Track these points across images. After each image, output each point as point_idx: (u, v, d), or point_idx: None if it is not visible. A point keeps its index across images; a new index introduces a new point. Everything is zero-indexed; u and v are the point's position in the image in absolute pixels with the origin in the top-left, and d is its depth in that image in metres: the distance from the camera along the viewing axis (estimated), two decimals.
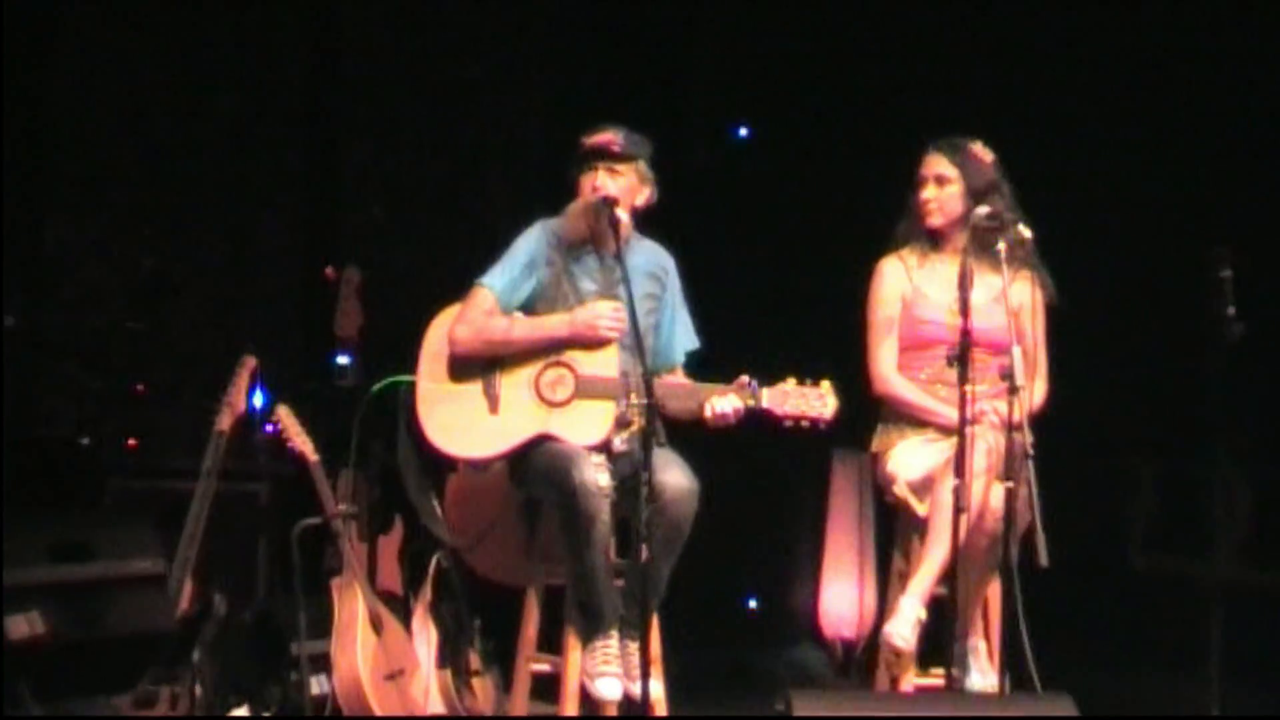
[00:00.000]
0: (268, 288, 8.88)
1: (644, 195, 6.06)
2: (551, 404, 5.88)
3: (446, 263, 8.25)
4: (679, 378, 6.17)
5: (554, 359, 5.91)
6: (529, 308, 6.03)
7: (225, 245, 8.79)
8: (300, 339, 8.62)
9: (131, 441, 8.00)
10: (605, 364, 5.92)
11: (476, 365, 5.92)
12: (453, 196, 9.12)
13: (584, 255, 6.01)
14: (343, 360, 7.28)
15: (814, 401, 5.81)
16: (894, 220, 6.41)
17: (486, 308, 5.94)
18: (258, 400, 7.16)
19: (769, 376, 5.90)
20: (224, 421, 6.69)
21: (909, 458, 6.17)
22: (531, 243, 6.01)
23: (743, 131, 9.03)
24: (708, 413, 5.81)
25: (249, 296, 8.78)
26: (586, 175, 6.00)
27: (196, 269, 8.64)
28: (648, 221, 6.20)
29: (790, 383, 5.84)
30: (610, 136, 5.99)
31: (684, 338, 6.27)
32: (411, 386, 6.09)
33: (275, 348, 7.77)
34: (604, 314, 5.88)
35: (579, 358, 5.91)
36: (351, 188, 8.93)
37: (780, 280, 8.69)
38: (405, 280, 8.55)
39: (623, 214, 5.92)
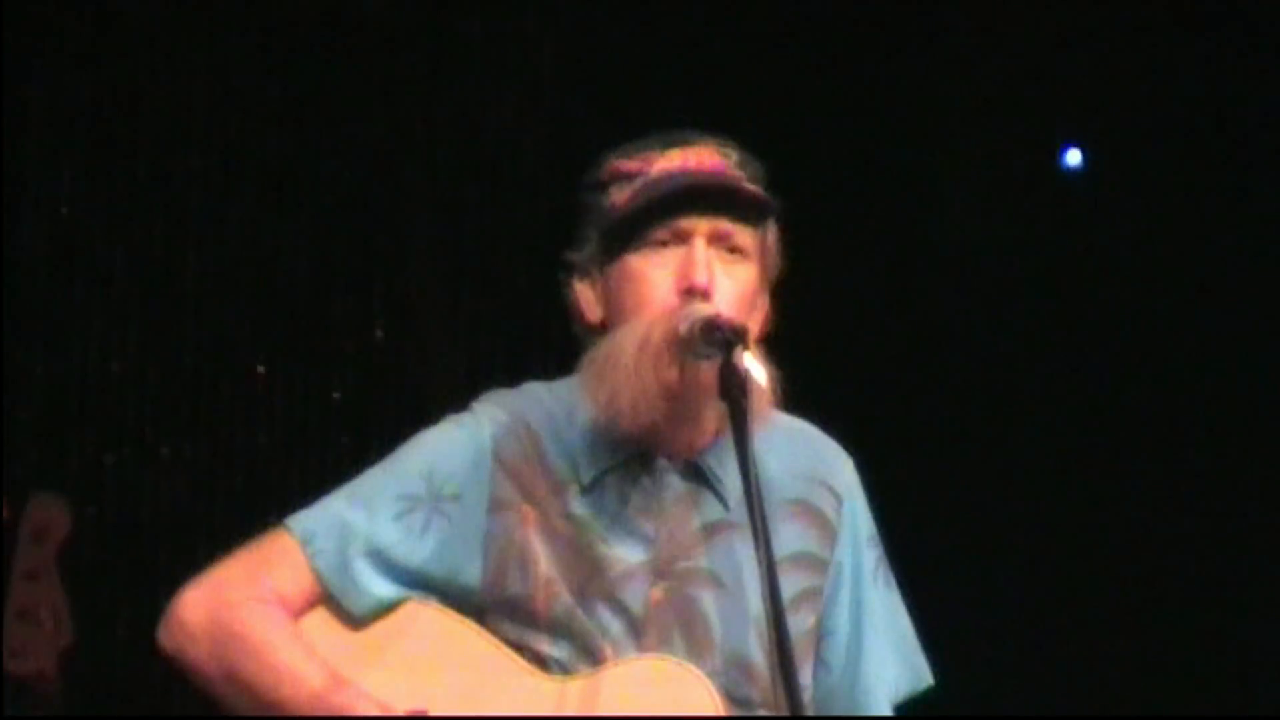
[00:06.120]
0: None
1: (761, 307, 3.88)
2: None
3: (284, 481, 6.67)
4: None
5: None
6: (494, 612, 3.66)
7: None
8: None
9: None
10: None
11: None
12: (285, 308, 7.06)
13: (616, 474, 3.71)
14: None
15: None
16: None
17: (283, 583, 3.71)
18: None
19: None
20: None
21: None
22: (458, 449, 3.77)
23: (1072, 157, 7.34)
24: None
25: None
26: (642, 256, 3.74)
27: None
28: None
29: None
30: (714, 156, 3.75)
31: (891, 665, 3.93)
32: None
33: None
34: None
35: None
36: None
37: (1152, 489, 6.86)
38: (173, 521, 6.77)
39: (758, 369, 3.60)
